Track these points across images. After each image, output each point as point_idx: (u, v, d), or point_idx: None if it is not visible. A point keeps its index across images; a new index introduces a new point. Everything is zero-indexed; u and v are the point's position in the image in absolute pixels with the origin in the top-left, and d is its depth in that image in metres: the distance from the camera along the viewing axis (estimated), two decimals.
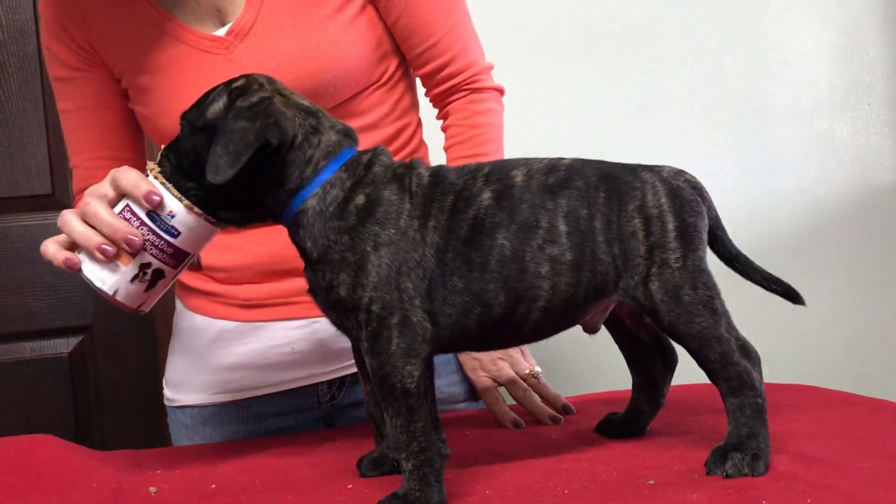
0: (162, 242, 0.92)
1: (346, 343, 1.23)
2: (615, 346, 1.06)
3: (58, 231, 0.98)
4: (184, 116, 0.94)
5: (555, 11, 2.09)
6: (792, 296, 0.98)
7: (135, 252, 0.92)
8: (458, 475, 0.93)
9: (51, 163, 1.99)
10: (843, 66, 2.25)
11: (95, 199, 0.94)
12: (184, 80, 1.20)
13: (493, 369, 1.25)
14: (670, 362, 1.04)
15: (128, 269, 0.93)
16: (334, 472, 1.01)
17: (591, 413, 1.18)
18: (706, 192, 0.96)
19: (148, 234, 0.92)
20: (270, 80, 0.93)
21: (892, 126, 2.29)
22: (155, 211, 0.92)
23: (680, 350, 0.97)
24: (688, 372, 1.04)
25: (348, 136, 0.93)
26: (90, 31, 1.23)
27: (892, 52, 2.28)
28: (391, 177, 0.90)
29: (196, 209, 0.92)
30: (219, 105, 0.91)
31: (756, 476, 0.86)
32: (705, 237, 0.94)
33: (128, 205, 0.93)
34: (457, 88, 1.29)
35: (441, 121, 1.33)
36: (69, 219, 0.95)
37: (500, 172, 0.92)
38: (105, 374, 2.06)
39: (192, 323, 1.32)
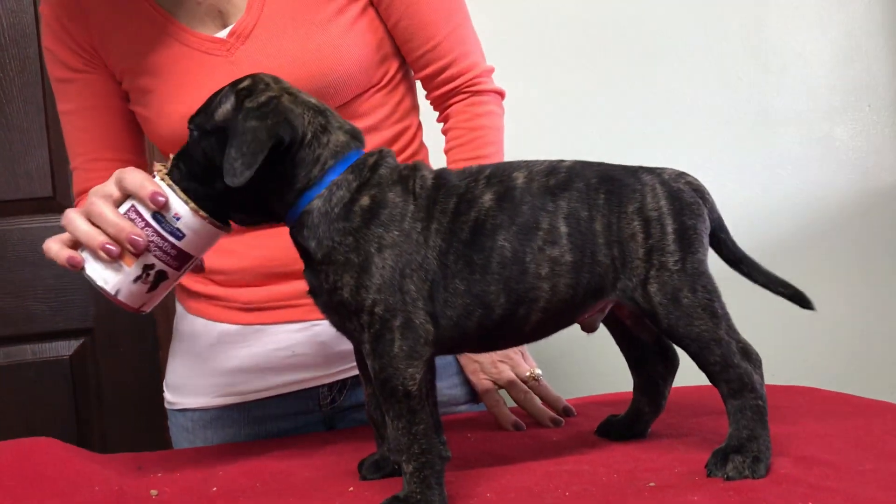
0: (166, 244, 0.92)
1: (346, 346, 1.23)
2: (616, 348, 1.06)
3: (59, 233, 0.98)
4: (191, 121, 0.94)
5: (555, 14, 2.10)
6: (799, 299, 0.97)
7: (138, 253, 0.92)
8: (458, 477, 0.93)
9: (52, 166, 1.99)
10: (843, 69, 2.25)
11: (100, 199, 0.94)
12: (185, 81, 1.20)
13: (493, 372, 1.25)
14: (671, 364, 1.04)
15: (131, 269, 0.93)
16: (335, 474, 1.01)
17: (592, 415, 1.18)
18: (708, 194, 0.96)
19: (152, 236, 0.92)
20: (276, 80, 0.93)
21: (892, 128, 2.29)
22: (160, 212, 0.92)
23: (681, 352, 0.97)
24: (689, 373, 1.04)
25: (356, 137, 0.93)
26: (91, 32, 1.23)
27: (893, 54, 2.28)
28: (396, 179, 0.91)
29: (202, 212, 0.92)
30: (227, 107, 0.91)
31: (757, 478, 0.86)
32: (706, 240, 0.94)
33: (133, 205, 0.93)
34: (457, 91, 1.29)
35: (441, 123, 1.33)
36: (73, 217, 0.95)
37: (502, 174, 0.92)
38: (106, 377, 2.06)
39: (193, 326, 1.32)
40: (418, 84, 1.34)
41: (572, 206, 0.91)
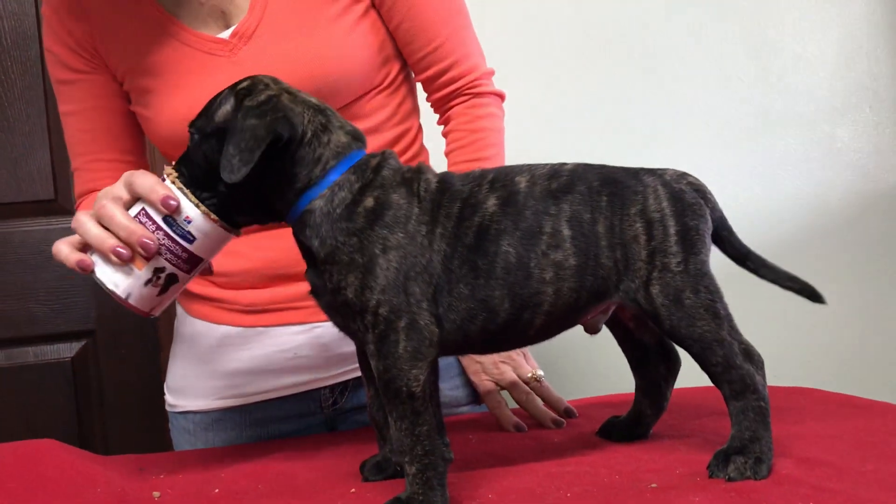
0: (177, 247, 0.92)
1: (348, 347, 1.23)
2: (618, 349, 1.06)
3: (61, 236, 0.98)
4: (192, 125, 0.93)
5: (556, 16, 2.10)
6: (808, 293, 0.97)
7: (150, 256, 0.92)
8: (460, 479, 0.93)
9: (53, 168, 1.99)
10: (844, 70, 2.25)
11: (110, 202, 0.93)
12: (187, 82, 1.20)
13: (495, 373, 1.25)
14: (673, 365, 1.04)
15: (142, 273, 0.93)
16: (337, 476, 1.01)
17: (594, 416, 1.18)
18: (710, 194, 0.96)
19: (163, 239, 0.92)
20: (276, 81, 0.94)
21: (893, 129, 2.29)
22: (171, 216, 0.92)
23: (683, 353, 0.97)
24: (691, 375, 1.04)
25: (357, 138, 0.93)
26: (93, 32, 1.24)
27: (894, 55, 2.28)
28: (400, 181, 0.91)
29: (213, 215, 0.92)
30: (227, 108, 0.91)
31: (759, 479, 0.86)
32: (708, 241, 0.94)
33: (143, 208, 0.93)
34: (458, 93, 1.29)
35: (442, 126, 1.34)
36: (84, 220, 0.94)
37: (505, 179, 0.92)
38: (108, 379, 2.06)
39: (194, 328, 1.32)
40: (419, 86, 1.34)
41: (575, 210, 0.91)
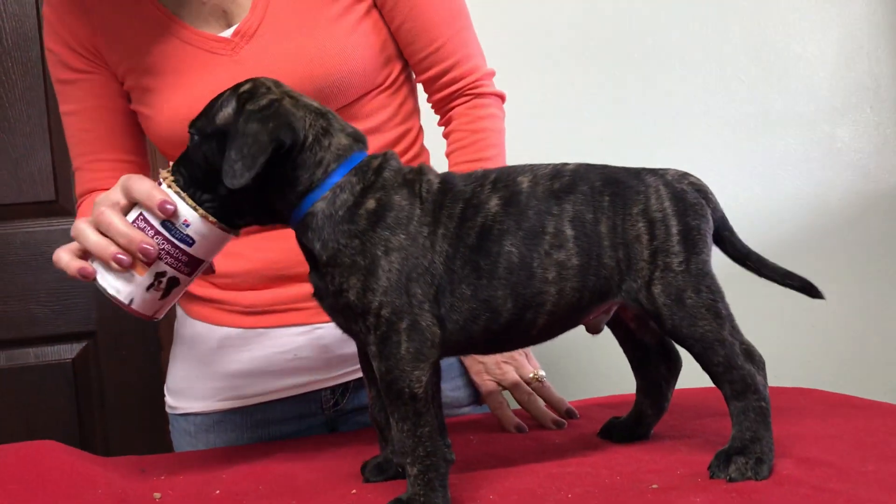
0: (177, 251, 0.92)
1: (349, 349, 1.23)
2: (619, 350, 1.06)
3: (62, 237, 0.98)
4: (192, 125, 0.93)
5: (556, 17, 2.10)
6: (809, 290, 0.97)
7: (150, 262, 0.92)
8: (461, 480, 0.93)
9: (54, 169, 1.99)
10: (844, 70, 2.25)
11: (108, 209, 0.93)
12: (188, 80, 1.20)
13: (497, 373, 1.25)
14: (674, 366, 1.04)
15: (143, 278, 0.93)
16: (338, 477, 1.01)
17: (595, 417, 1.18)
18: (711, 194, 0.96)
19: (163, 244, 0.92)
20: (277, 84, 0.93)
21: (894, 129, 2.28)
22: (169, 220, 0.92)
23: (684, 353, 0.97)
24: (692, 375, 1.04)
25: (359, 140, 0.93)
26: (94, 31, 1.24)
27: (894, 55, 2.28)
28: (401, 182, 0.91)
29: (211, 218, 0.92)
30: (228, 110, 0.90)
31: (759, 480, 0.86)
32: (710, 240, 0.94)
33: (141, 213, 0.93)
34: (459, 93, 1.29)
35: (442, 127, 1.34)
36: (83, 228, 0.94)
37: (507, 179, 0.92)
38: (109, 380, 2.06)
39: (194, 330, 1.32)
40: (419, 88, 1.34)
41: (577, 210, 0.91)
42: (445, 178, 0.93)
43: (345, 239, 0.87)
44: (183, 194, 0.92)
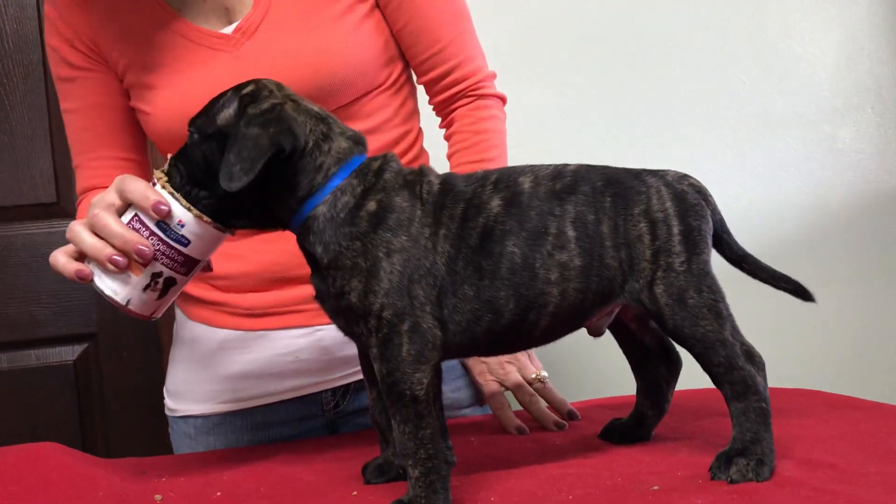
0: (172, 252, 0.93)
1: (349, 351, 1.23)
2: (619, 351, 1.06)
3: (63, 239, 0.98)
4: (192, 123, 0.93)
5: (557, 19, 2.10)
6: (801, 293, 0.97)
7: (146, 262, 0.92)
8: (462, 481, 0.93)
9: (55, 171, 1.99)
10: (846, 71, 2.25)
11: (103, 211, 0.93)
12: (189, 77, 1.20)
13: (500, 373, 1.25)
14: (674, 366, 1.04)
15: (139, 278, 0.93)
16: (339, 478, 1.01)
17: (596, 418, 1.18)
18: (710, 195, 0.96)
19: (158, 244, 0.92)
20: (279, 86, 0.94)
21: (895, 130, 2.28)
22: (164, 221, 0.92)
23: (684, 354, 0.97)
24: (692, 376, 1.04)
25: (359, 142, 0.93)
26: (95, 28, 1.24)
27: (895, 56, 2.27)
28: (402, 183, 0.91)
29: (205, 217, 0.92)
30: (229, 112, 0.91)
31: (760, 481, 0.86)
32: (710, 241, 0.94)
33: (136, 215, 0.93)
34: (461, 94, 1.29)
35: (444, 129, 1.34)
36: (78, 231, 0.95)
37: (508, 179, 0.92)
38: (110, 382, 2.06)
39: (194, 332, 1.32)
40: (420, 90, 1.34)
41: (579, 210, 0.91)
42: (446, 179, 0.93)
43: (346, 241, 0.87)
44: (177, 195, 0.92)
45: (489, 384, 1.25)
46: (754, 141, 2.20)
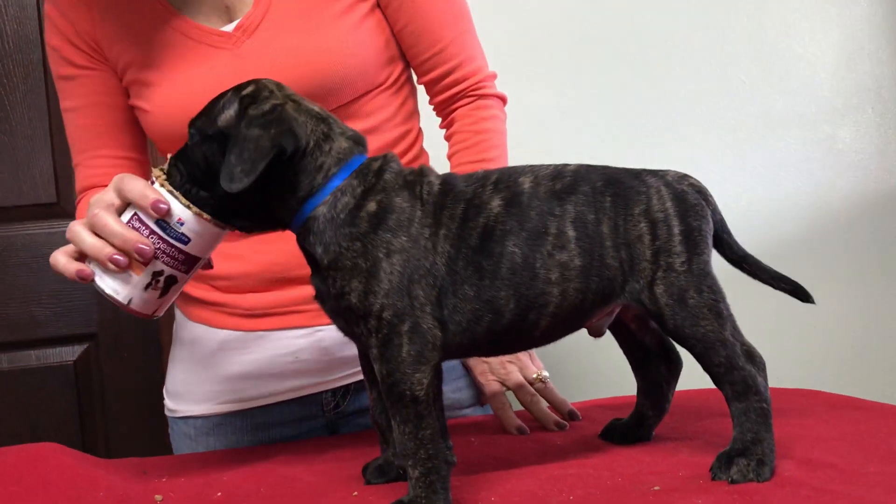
0: (173, 250, 0.92)
1: (349, 351, 1.23)
2: (620, 351, 1.06)
3: (63, 239, 0.98)
4: (192, 124, 0.93)
5: (557, 18, 2.10)
6: (800, 294, 0.98)
7: (147, 261, 0.92)
8: (463, 482, 0.93)
9: (56, 171, 1.99)
10: (846, 71, 2.25)
11: (103, 210, 0.93)
12: (189, 74, 1.20)
13: (502, 373, 1.25)
14: (675, 367, 1.04)
15: (140, 277, 0.93)
16: (339, 479, 1.01)
17: (596, 419, 1.18)
18: (710, 195, 0.96)
19: (158, 243, 0.92)
20: (280, 86, 0.93)
21: (895, 130, 2.28)
22: (164, 219, 0.92)
23: (685, 355, 0.97)
24: (693, 377, 1.04)
25: (359, 143, 0.93)
26: (95, 25, 1.24)
27: (895, 56, 2.27)
28: (402, 184, 0.91)
29: (205, 215, 0.92)
30: (230, 113, 0.90)
31: (761, 481, 0.86)
32: (710, 241, 0.94)
33: (136, 213, 0.93)
34: (462, 94, 1.29)
35: (444, 130, 1.34)
36: (78, 231, 0.95)
37: (508, 180, 0.92)
38: (110, 382, 2.06)
39: (194, 333, 1.32)
40: (420, 91, 1.34)
41: (579, 210, 0.91)
42: (446, 180, 0.93)
43: (346, 242, 0.87)
44: (176, 192, 0.92)
45: (490, 384, 1.25)
46: (754, 141, 2.20)
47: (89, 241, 0.93)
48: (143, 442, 2.00)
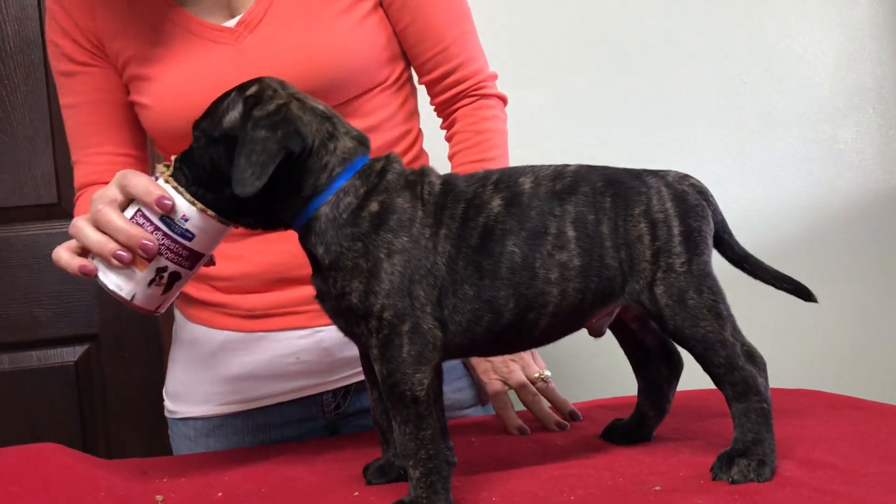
0: (177, 246, 0.92)
1: (350, 352, 1.23)
2: (621, 352, 1.06)
3: (64, 240, 0.98)
4: (197, 126, 0.93)
5: (557, 19, 2.10)
6: (803, 293, 0.97)
7: (151, 257, 0.92)
8: (464, 482, 0.93)
9: (57, 172, 1.99)
10: (846, 71, 2.25)
11: (106, 206, 0.93)
12: (190, 69, 1.20)
13: (504, 371, 1.24)
14: (675, 367, 1.04)
15: (144, 273, 0.93)
16: (340, 479, 1.01)
17: (597, 419, 1.18)
18: (711, 196, 0.96)
19: (162, 239, 0.92)
20: (283, 85, 0.93)
21: (895, 130, 2.29)
22: (168, 215, 0.92)
23: (686, 355, 0.97)
24: (693, 377, 1.04)
25: (362, 143, 0.93)
26: (96, 20, 1.23)
27: None
28: (404, 184, 0.91)
29: (209, 211, 0.92)
30: (235, 114, 0.90)
31: (762, 481, 0.86)
32: (710, 241, 0.94)
33: (139, 209, 0.93)
34: (464, 94, 1.29)
35: (444, 130, 1.34)
36: (82, 226, 0.94)
37: (509, 180, 0.92)
38: (111, 383, 2.06)
39: (194, 334, 1.32)
40: (420, 92, 1.34)
41: (579, 210, 0.91)
42: (447, 180, 0.93)
43: (347, 242, 0.87)
44: (181, 189, 0.92)
45: (493, 383, 1.25)
46: (755, 141, 2.20)
47: (93, 237, 0.93)
48: (143, 442, 2.00)
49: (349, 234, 0.87)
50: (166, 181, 0.92)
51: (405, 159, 1.29)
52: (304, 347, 1.26)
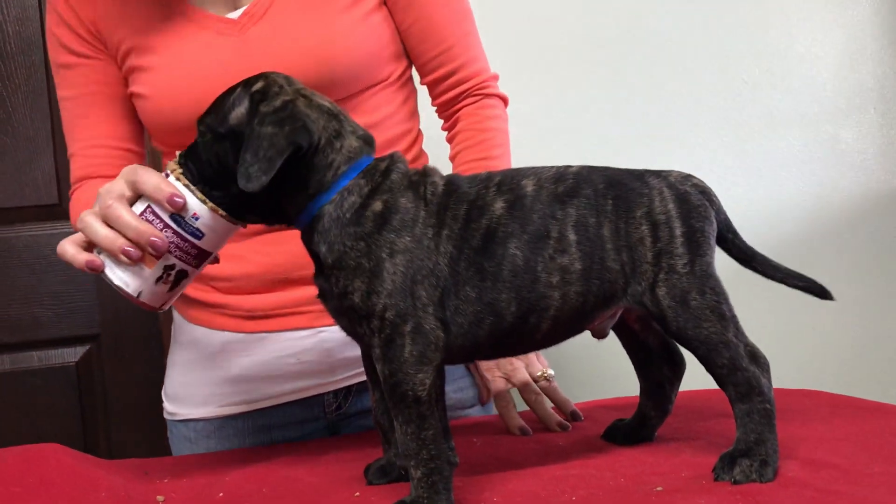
0: (186, 244, 0.92)
1: (351, 352, 1.23)
2: (623, 352, 1.05)
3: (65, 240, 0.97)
4: (202, 122, 0.93)
5: (558, 19, 2.10)
6: (817, 290, 0.97)
7: (160, 255, 0.92)
8: (465, 482, 0.93)
9: (57, 173, 1.99)
10: (848, 71, 2.25)
11: (115, 201, 0.92)
12: (193, 60, 1.19)
13: (508, 369, 1.24)
14: (678, 368, 1.04)
15: (152, 271, 0.93)
16: (341, 480, 1.01)
17: (599, 419, 1.18)
18: (714, 196, 0.96)
19: (172, 237, 0.92)
20: (289, 80, 0.93)
21: None
22: (178, 213, 0.92)
23: (688, 355, 0.97)
24: (696, 377, 1.04)
25: (368, 143, 0.93)
26: (97, 10, 1.23)
27: None
28: (407, 184, 0.90)
29: (220, 211, 0.92)
30: (241, 110, 0.90)
31: (764, 482, 0.85)
32: (713, 242, 0.94)
33: (149, 206, 0.92)
34: (467, 94, 1.30)
35: (445, 131, 1.34)
36: (90, 221, 0.93)
37: (512, 182, 0.92)
38: (112, 383, 2.06)
39: (194, 335, 1.31)
40: (422, 92, 1.34)
41: (581, 213, 0.91)
42: (450, 180, 0.93)
43: (350, 241, 0.87)
44: (192, 187, 0.92)
45: (496, 380, 1.25)
46: (756, 141, 2.20)
47: (102, 233, 0.92)
48: (144, 443, 2.00)
49: (352, 233, 0.87)
50: (177, 178, 0.92)
51: (405, 158, 1.29)
52: (305, 348, 1.26)
